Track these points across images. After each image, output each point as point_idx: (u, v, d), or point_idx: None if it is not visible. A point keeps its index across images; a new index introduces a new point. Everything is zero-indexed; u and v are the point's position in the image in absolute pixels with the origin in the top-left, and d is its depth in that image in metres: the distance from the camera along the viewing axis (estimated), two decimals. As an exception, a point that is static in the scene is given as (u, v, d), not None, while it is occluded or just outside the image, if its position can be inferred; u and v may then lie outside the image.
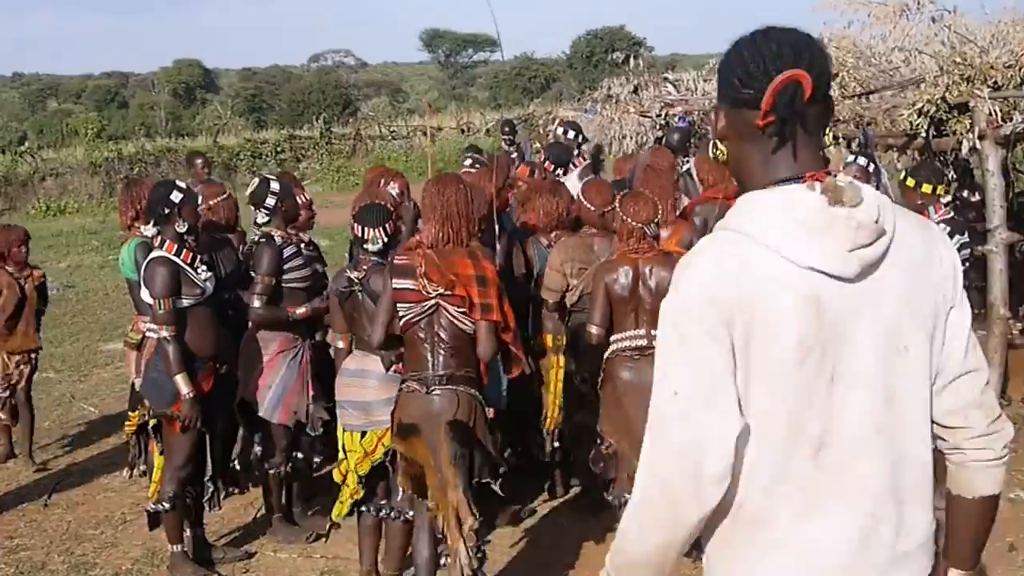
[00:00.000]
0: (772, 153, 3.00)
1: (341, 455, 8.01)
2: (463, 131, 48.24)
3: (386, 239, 7.93)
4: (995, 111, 10.17)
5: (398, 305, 7.00)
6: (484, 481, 7.03)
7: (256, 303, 8.70)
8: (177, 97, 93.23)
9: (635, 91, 15.67)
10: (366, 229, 7.92)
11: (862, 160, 10.04)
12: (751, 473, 2.95)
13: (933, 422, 3.11)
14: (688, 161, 11.49)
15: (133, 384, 9.53)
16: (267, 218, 8.99)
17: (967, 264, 9.26)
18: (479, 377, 7.16)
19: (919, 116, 10.68)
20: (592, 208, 9.31)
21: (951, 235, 8.82)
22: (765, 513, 2.97)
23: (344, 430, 7.95)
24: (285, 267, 8.79)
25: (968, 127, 10.41)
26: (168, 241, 8.13)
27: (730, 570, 3.08)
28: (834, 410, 2.92)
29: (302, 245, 9.12)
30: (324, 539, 8.98)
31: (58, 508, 10.47)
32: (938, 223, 8.71)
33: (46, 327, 18.22)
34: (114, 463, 11.47)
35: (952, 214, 9.25)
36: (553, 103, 42.02)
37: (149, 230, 8.46)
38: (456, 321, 6.94)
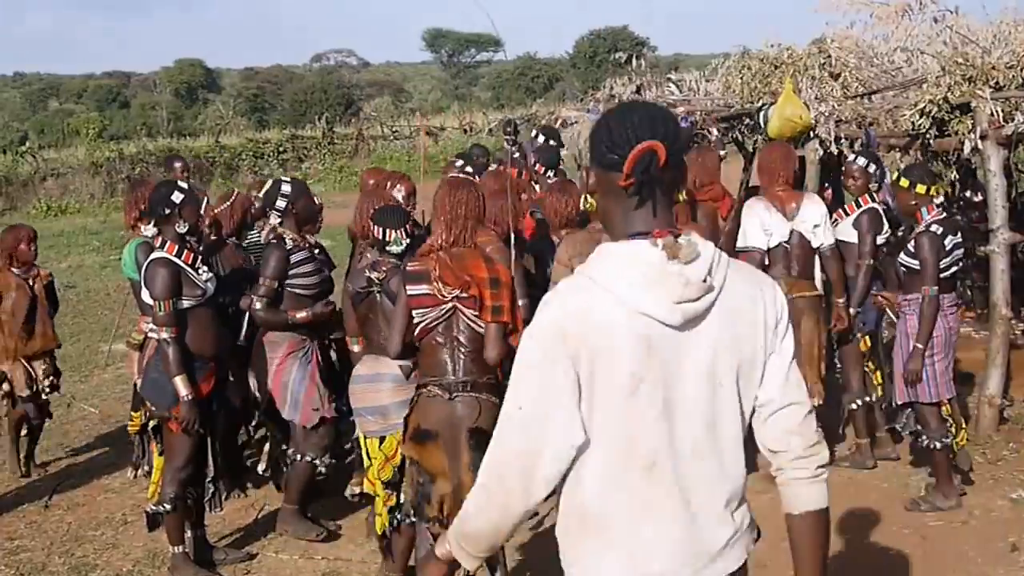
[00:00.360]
0: (632, 210, 3.56)
1: (367, 463, 8.03)
2: (466, 131, 48.31)
3: (408, 240, 7.97)
4: (997, 111, 10.21)
5: (414, 311, 6.99)
6: None
7: (257, 305, 8.72)
8: (179, 97, 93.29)
9: (638, 91, 15.66)
10: (388, 231, 7.94)
11: (861, 160, 10.12)
12: (594, 481, 3.56)
13: (763, 446, 3.82)
14: None
15: (135, 384, 9.56)
16: (279, 219, 9.03)
17: (960, 264, 9.33)
18: (499, 383, 7.04)
19: (921, 116, 10.72)
20: (556, 218, 9.52)
21: (943, 235, 8.94)
22: (605, 515, 3.58)
23: (365, 438, 7.97)
24: (292, 271, 8.79)
25: (970, 127, 10.45)
26: (169, 242, 8.14)
27: (579, 562, 3.68)
28: (663, 433, 3.52)
29: (315, 251, 9.18)
30: (328, 538, 9.04)
31: (59, 509, 10.50)
32: (931, 223, 8.95)
33: (47, 327, 18.30)
34: (115, 464, 11.51)
35: (945, 214, 9.29)
36: (556, 103, 41.99)
37: (149, 230, 8.49)
38: (473, 324, 6.97)
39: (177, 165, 13.62)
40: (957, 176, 12.53)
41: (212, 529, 9.28)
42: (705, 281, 3.47)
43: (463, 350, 7.00)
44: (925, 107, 10.66)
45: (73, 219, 36.66)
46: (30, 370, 11.11)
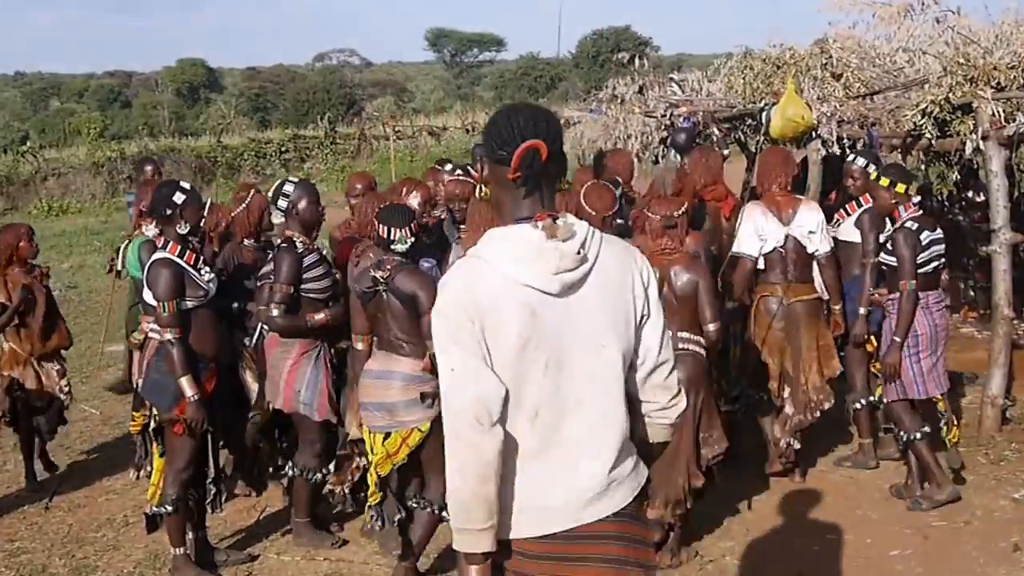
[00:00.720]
0: (520, 198, 4.23)
1: (369, 456, 8.13)
2: (468, 131, 48.31)
3: (412, 239, 8.06)
4: (998, 112, 10.25)
5: None
6: None
7: (274, 312, 8.71)
8: (181, 96, 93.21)
9: (640, 91, 15.68)
10: (393, 229, 8.03)
11: (860, 161, 10.17)
12: (524, 426, 4.17)
13: (638, 396, 4.42)
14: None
15: (137, 385, 9.59)
16: (282, 218, 9.09)
17: (941, 261, 9.41)
18: None
19: (923, 117, 10.73)
20: (594, 213, 9.39)
21: (919, 231, 9.07)
22: (527, 455, 4.19)
23: (370, 432, 8.06)
24: (305, 275, 8.80)
25: (972, 128, 10.49)
26: (171, 242, 8.18)
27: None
28: (549, 387, 4.15)
29: (323, 253, 9.22)
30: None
31: (59, 511, 10.52)
32: (907, 220, 9.09)
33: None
34: (116, 465, 11.53)
35: (921, 211, 9.37)
36: (559, 103, 42.04)
37: (151, 231, 8.53)
38: None
39: (148, 168, 13.50)
40: (959, 176, 12.56)
41: (213, 530, 9.31)
42: (579, 254, 4.13)
43: None
44: (927, 107, 10.68)
45: (74, 219, 36.64)
46: (42, 375, 10.92)
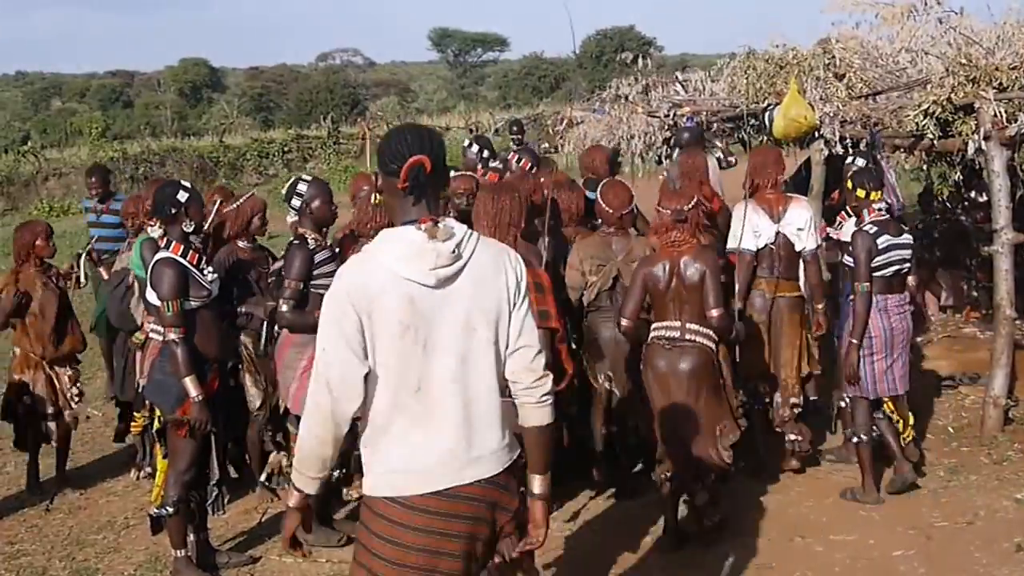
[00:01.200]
0: (408, 205, 4.93)
1: None
2: (471, 131, 48.28)
3: None
4: (1000, 112, 10.26)
5: None
6: None
7: (283, 307, 8.78)
8: (183, 96, 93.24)
9: (644, 91, 15.71)
10: None
11: (860, 161, 10.30)
12: (380, 399, 4.90)
13: (507, 377, 5.09)
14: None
15: (138, 385, 9.62)
16: (296, 216, 9.16)
17: (903, 266, 9.62)
18: None
19: (925, 117, 10.75)
20: (611, 211, 9.72)
21: (877, 234, 9.37)
22: (388, 424, 4.93)
23: None
24: (316, 271, 8.87)
25: (974, 128, 10.51)
26: (174, 242, 8.21)
27: (375, 456, 5.00)
28: (426, 367, 4.87)
29: (336, 250, 9.28)
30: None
31: (59, 513, 10.57)
32: (868, 223, 9.41)
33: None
34: (117, 467, 11.60)
35: (885, 216, 9.61)
36: (562, 103, 42.03)
37: (155, 231, 8.57)
38: None
39: (92, 180, 13.55)
40: (961, 177, 12.60)
41: (215, 532, 9.36)
42: (454, 252, 4.85)
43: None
44: (929, 108, 10.70)
45: (75, 220, 36.52)
46: (54, 380, 10.78)
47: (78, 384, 11.03)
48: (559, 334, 7.45)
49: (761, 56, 13.16)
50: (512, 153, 13.16)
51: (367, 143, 41.07)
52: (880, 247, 9.33)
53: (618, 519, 9.55)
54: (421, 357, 4.87)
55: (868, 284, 9.32)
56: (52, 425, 10.90)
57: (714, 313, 8.64)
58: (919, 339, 13.77)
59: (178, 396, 8.12)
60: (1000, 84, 10.37)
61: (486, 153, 11.70)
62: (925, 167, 13.61)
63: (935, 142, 11.10)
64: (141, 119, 75.66)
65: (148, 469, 9.72)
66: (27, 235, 10.78)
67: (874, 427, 9.69)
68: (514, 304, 5.06)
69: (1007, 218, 10.55)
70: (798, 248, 10.08)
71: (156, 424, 8.63)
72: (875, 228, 9.40)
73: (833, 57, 12.17)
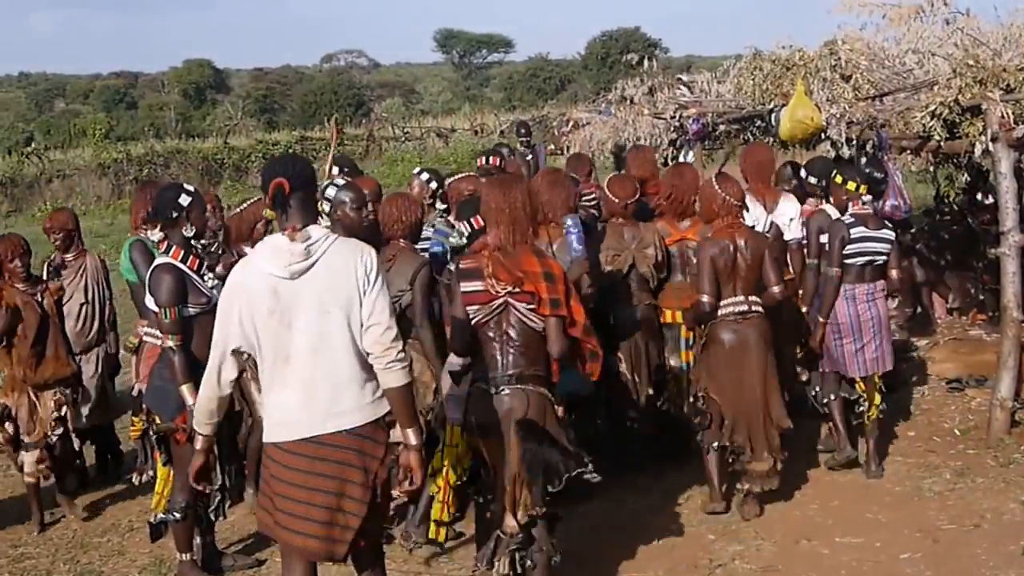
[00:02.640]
0: (282, 218, 6.28)
1: (447, 450, 8.63)
2: (477, 132, 48.33)
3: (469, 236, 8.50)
4: (1007, 114, 10.24)
5: (468, 308, 7.41)
6: (576, 474, 7.30)
7: None
8: (187, 98, 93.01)
9: (650, 92, 15.73)
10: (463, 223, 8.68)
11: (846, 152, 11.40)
12: (262, 369, 6.34)
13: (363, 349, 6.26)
14: None
15: (135, 389, 9.62)
16: (327, 220, 9.19)
17: (875, 258, 10.17)
18: (549, 376, 7.59)
19: (932, 118, 10.75)
20: (617, 200, 10.24)
21: (853, 224, 10.04)
22: (269, 387, 6.35)
23: (450, 424, 8.50)
24: None
25: (981, 129, 10.49)
26: (175, 247, 8.16)
27: (264, 414, 6.49)
28: (291, 342, 6.20)
29: None
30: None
31: (63, 516, 10.60)
32: (848, 215, 10.06)
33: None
34: (120, 469, 11.60)
35: (869, 210, 10.26)
36: (568, 104, 42.04)
37: (156, 235, 8.52)
38: (525, 319, 7.37)
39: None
40: (968, 178, 12.62)
41: (220, 535, 9.37)
42: (306, 251, 6.13)
43: (512, 345, 7.42)
44: (936, 109, 10.69)
45: (79, 221, 36.59)
46: (38, 406, 10.19)
47: (64, 408, 10.33)
48: (580, 322, 7.51)
49: (767, 57, 13.18)
50: (480, 156, 13.18)
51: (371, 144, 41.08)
52: (852, 237, 9.96)
53: (624, 522, 9.57)
54: (286, 334, 6.20)
55: (837, 270, 10.02)
56: (24, 454, 10.29)
57: (775, 289, 9.40)
58: (925, 341, 13.84)
59: (177, 404, 8.06)
60: (1007, 85, 10.38)
61: (434, 184, 11.67)
62: (932, 169, 13.62)
63: (942, 144, 11.11)
64: (145, 120, 75.64)
65: (150, 472, 9.65)
66: (5, 249, 10.20)
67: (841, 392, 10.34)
68: (364, 291, 6.23)
69: (1014, 220, 10.54)
70: (788, 237, 10.73)
71: (154, 430, 8.59)
72: (853, 219, 10.04)
73: (839, 58, 12.17)
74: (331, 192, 8.97)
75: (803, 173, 11.44)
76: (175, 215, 8.17)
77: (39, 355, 10.18)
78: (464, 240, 8.51)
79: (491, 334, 7.42)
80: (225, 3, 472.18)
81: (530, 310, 7.31)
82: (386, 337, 6.22)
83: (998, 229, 10.84)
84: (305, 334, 6.19)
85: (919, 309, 14.76)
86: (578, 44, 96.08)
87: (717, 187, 9.43)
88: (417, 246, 9.48)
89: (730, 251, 9.23)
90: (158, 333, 8.32)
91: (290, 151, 45.94)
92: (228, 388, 6.47)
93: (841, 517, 9.44)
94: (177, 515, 8.40)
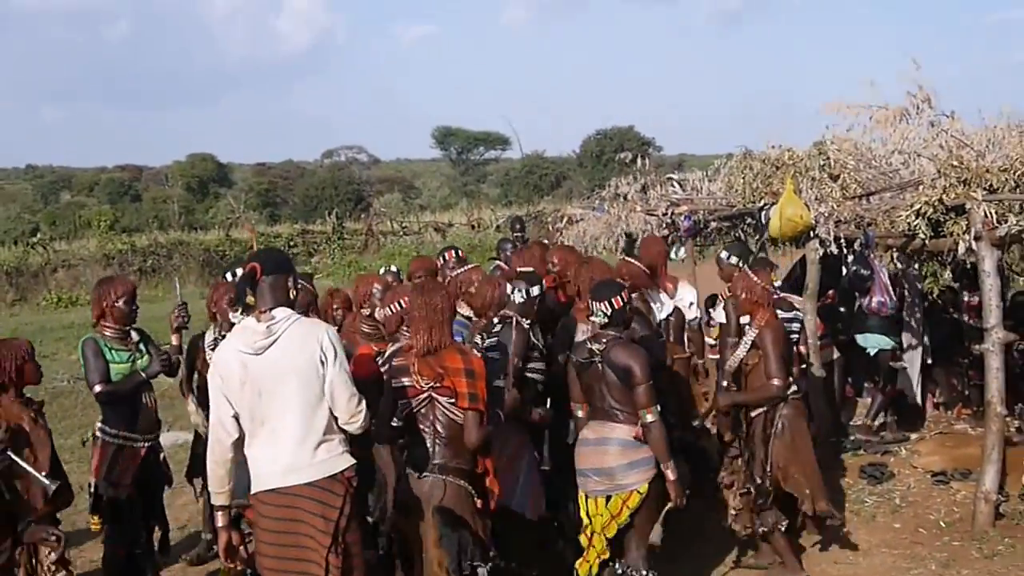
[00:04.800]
0: (258, 300, 7.01)
1: (585, 521, 8.69)
2: (473, 227, 48.60)
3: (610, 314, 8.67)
4: (990, 213, 10.31)
5: (399, 402, 7.79)
6: (475, 565, 7.56)
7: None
8: (191, 191, 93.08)
9: (643, 190, 15.87)
10: (597, 304, 8.74)
11: (730, 255, 11.50)
12: (245, 432, 7.03)
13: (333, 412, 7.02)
14: None
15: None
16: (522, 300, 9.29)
17: (796, 335, 10.70)
18: (473, 469, 7.86)
19: (917, 217, 10.85)
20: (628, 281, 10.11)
21: None
22: (249, 446, 7.05)
23: (587, 497, 8.59)
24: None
25: (964, 228, 10.56)
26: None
27: (249, 462, 7.08)
28: (261, 408, 6.93)
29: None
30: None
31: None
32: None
33: (55, 419, 18.18)
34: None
35: (779, 296, 10.78)
36: (563, 201, 42.29)
37: (238, 318, 8.71)
38: (449, 412, 7.64)
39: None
40: (953, 276, 12.68)
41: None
42: (268, 331, 6.89)
43: (439, 436, 7.74)
44: (921, 208, 10.79)
45: (83, 311, 36.62)
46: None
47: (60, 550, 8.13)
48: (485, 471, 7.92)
49: (758, 157, 13.32)
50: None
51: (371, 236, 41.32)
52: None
53: None
54: (258, 401, 6.92)
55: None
56: None
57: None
58: (913, 436, 13.89)
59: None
60: (990, 186, 10.45)
61: (391, 277, 11.85)
62: (917, 266, 13.69)
63: (927, 242, 11.20)
64: (149, 212, 75.71)
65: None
66: (7, 356, 8.41)
67: None
68: (324, 363, 6.92)
69: (998, 317, 10.61)
70: (688, 318, 11.32)
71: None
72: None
73: (828, 158, 12.29)
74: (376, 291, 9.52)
75: (724, 254, 11.66)
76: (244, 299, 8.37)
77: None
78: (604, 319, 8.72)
79: (422, 426, 7.75)
80: (229, 99, 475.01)
81: (450, 403, 7.62)
82: (351, 406, 7.01)
83: (982, 325, 10.90)
84: (275, 402, 6.90)
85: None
86: (573, 142, 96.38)
87: (754, 277, 9.97)
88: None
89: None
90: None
91: (291, 242, 46.25)
92: (231, 452, 7.06)
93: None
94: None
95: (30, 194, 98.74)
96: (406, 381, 7.74)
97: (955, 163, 10.79)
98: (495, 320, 9.31)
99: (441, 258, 12.07)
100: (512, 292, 9.28)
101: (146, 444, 9.67)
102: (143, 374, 9.55)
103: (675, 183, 15.56)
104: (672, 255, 14.51)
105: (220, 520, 7.19)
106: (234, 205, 63.31)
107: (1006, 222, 10.31)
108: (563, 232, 18.06)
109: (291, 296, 7.12)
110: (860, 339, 13.86)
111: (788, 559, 9.71)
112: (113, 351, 9.51)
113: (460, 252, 12.30)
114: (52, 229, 65.41)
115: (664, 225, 14.82)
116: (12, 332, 24.58)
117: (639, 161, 16.37)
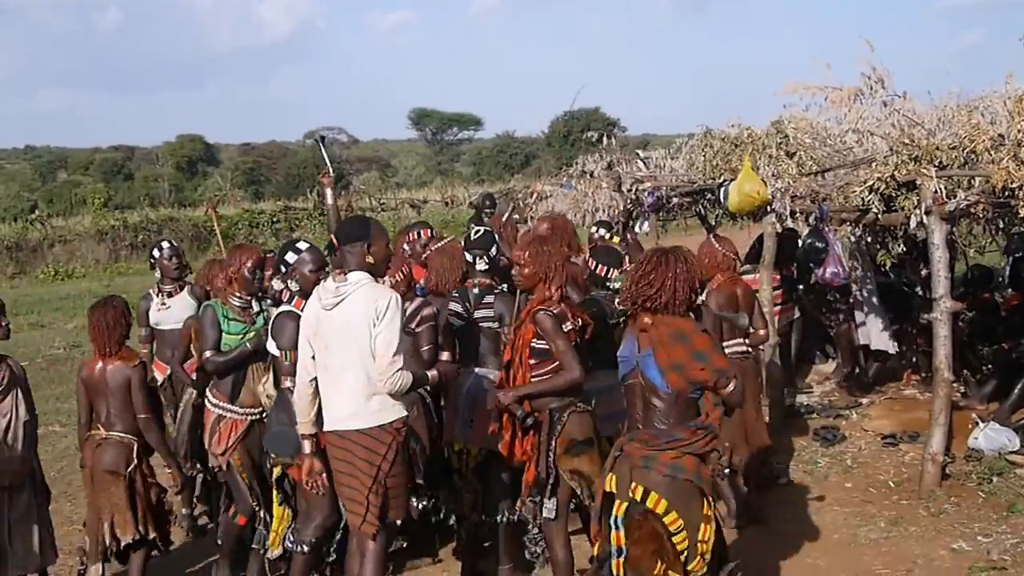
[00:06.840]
0: (335, 265, 7.69)
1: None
2: (447, 204, 48.55)
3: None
4: (940, 189, 10.26)
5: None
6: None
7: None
8: (180, 170, 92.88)
9: (609, 167, 15.78)
10: (610, 269, 9.60)
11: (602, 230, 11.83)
12: (318, 376, 7.66)
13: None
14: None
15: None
16: (487, 267, 9.28)
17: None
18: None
19: (870, 193, 10.80)
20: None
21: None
22: (321, 388, 7.65)
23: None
24: None
25: (916, 203, 10.51)
26: (296, 297, 8.47)
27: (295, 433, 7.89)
28: (328, 358, 7.54)
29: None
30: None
31: (68, 561, 9.95)
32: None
33: (52, 383, 18.06)
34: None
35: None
36: (532, 178, 42.18)
37: (278, 284, 9.02)
38: None
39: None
40: (904, 249, 12.62)
41: None
42: (338, 291, 7.46)
43: None
44: (874, 184, 10.74)
45: (79, 283, 36.65)
46: None
47: None
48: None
49: (718, 135, 13.26)
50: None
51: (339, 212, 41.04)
52: None
53: None
54: (325, 352, 7.54)
55: None
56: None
57: (763, 332, 10.55)
58: (864, 400, 13.86)
59: (295, 443, 7.95)
60: (940, 163, 10.38)
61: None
62: (869, 239, 13.63)
63: (879, 216, 11.14)
64: (141, 190, 75.52)
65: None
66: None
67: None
68: (375, 325, 7.36)
69: (946, 287, 10.53)
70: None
71: (276, 471, 8.60)
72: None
73: (785, 136, 12.22)
74: (291, 257, 8.74)
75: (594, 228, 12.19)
76: (285, 270, 8.68)
77: None
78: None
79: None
80: (216, 83, 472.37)
81: None
82: (391, 367, 7.39)
83: (931, 295, 10.83)
84: (336, 354, 7.51)
85: (857, 369, 14.75)
86: (542, 123, 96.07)
87: (716, 245, 10.26)
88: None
89: (736, 300, 10.27)
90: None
91: (274, 219, 46.15)
92: (310, 387, 7.71)
93: (782, 562, 9.41)
94: (306, 547, 8.18)
95: (28, 173, 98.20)
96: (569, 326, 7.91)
97: (907, 141, 10.72)
98: (475, 291, 9.17)
99: (416, 234, 11.79)
100: (473, 260, 9.21)
101: (248, 417, 9.17)
102: (248, 346, 9.13)
103: (640, 161, 15.47)
104: (636, 229, 14.45)
105: (306, 447, 7.78)
106: (221, 183, 63.19)
107: (955, 197, 10.25)
108: (533, 207, 17.95)
109: (368, 261, 7.57)
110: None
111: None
112: (229, 321, 9.19)
113: (434, 229, 12.08)
114: (49, 206, 65.21)
115: (628, 200, 14.74)
116: (12, 303, 24.42)
117: (605, 140, 16.28)
